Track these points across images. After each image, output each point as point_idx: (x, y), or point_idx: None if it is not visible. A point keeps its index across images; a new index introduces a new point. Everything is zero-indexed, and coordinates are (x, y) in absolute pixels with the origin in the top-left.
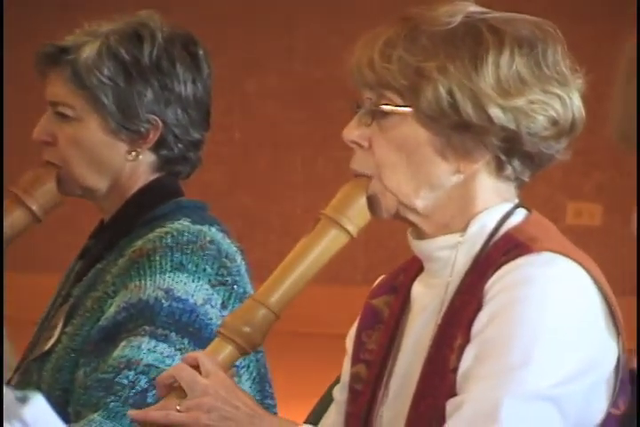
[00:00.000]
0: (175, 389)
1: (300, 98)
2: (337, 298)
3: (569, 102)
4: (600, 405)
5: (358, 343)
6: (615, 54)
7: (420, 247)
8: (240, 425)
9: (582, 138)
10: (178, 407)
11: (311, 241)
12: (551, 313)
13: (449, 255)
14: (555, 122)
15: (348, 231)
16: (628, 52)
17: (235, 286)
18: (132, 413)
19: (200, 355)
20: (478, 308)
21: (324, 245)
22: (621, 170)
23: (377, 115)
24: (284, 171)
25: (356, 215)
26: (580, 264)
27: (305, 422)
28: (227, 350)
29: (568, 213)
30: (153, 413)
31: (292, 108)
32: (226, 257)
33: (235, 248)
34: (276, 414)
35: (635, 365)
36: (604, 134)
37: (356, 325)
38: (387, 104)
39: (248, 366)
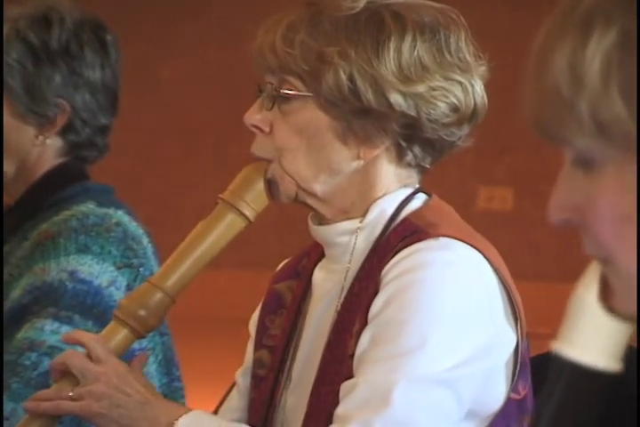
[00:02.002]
0: (67, 374)
1: (213, 83)
2: (249, 283)
3: (470, 89)
4: (499, 390)
5: (261, 329)
6: (530, 37)
7: (320, 233)
8: (131, 413)
9: (494, 122)
10: (70, 394)
11: (208, 225)
12: (447, 297)
13: (348, 241)
14: (456, 109)
15: (245, 216)
16: (539, 42)
17: (140, 269)
18: (25, 404)
19: (89, 340)
20: (375, 293)
21: (220, 230)
22: (532, 154)
23: (278, 99)
24: (196, 156)
25: (254, 199)
26: (478, 249)
27: (216, 408)
28: (121, 334)
29: (480, 197)
30: (45, 404)
31: (205, 94)
32: (132, 239)
33: (141, 231)
34: (183, 396)
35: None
36: (516, 118)
37: (259, 309)
38: (288, 89)
39: (154, 349)
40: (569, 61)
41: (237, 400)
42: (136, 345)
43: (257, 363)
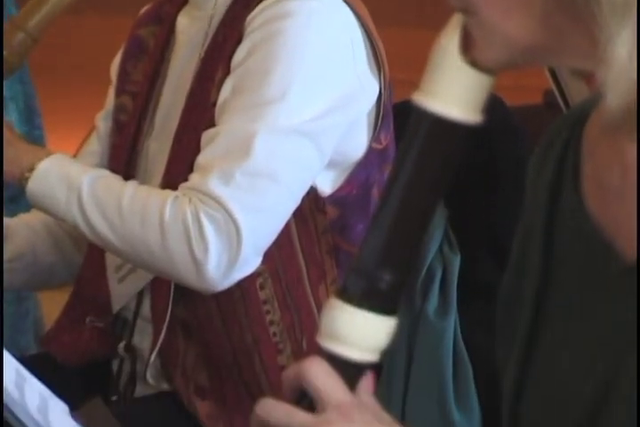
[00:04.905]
0: None
1: None
2: (114, 30)
3: None
4: (360, 139)
5: (123, 74)
6: None
7: None
8: None
9: None
10: None
11: None
12: (309, 47)
13: None
14: None
15: None
16: None
17: None
18: None
19: None
20: (239, 41)
21: None
22: None
23: None
24: None
25: None
26: None
27: (76, 152)
28: None
29: None
30: None
31: None
32: None
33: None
34: (44, 145)
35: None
36: None
37: (120, 54)
38: None
39: (14, 98)
40: None
41: (96, 144)
42: None
43: (119, 108)
